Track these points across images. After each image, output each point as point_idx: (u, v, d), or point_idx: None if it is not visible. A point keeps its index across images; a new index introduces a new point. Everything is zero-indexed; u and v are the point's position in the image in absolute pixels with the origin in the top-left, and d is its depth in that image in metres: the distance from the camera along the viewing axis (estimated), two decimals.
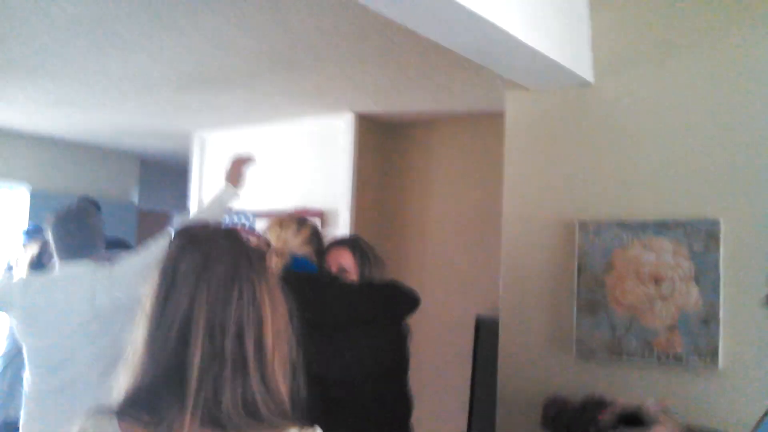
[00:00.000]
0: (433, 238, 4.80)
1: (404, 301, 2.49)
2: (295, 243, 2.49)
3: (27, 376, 2.81)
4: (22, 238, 4.33)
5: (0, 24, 3.09)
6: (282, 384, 1.09)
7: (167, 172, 7.22)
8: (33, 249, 3.86)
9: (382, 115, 4.67)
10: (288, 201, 4.89)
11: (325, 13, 2.88)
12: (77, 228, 2.83)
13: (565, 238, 3.06)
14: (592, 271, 2.92)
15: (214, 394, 1.03)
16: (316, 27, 3.03)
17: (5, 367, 3.88)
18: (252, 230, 2.69)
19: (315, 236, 2.57)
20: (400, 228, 4.90)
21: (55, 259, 2.85)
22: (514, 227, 3.23)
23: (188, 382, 1.02)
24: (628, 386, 2.82)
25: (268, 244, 2.51)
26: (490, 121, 4.43)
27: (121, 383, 1.07)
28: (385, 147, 4.90)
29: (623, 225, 2.86)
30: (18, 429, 3.56)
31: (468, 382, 4.09)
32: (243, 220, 5.20)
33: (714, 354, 2.64)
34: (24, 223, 5.70)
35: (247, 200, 5.13)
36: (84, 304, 2.69)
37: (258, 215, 4.93)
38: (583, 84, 2.98)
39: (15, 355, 3.76)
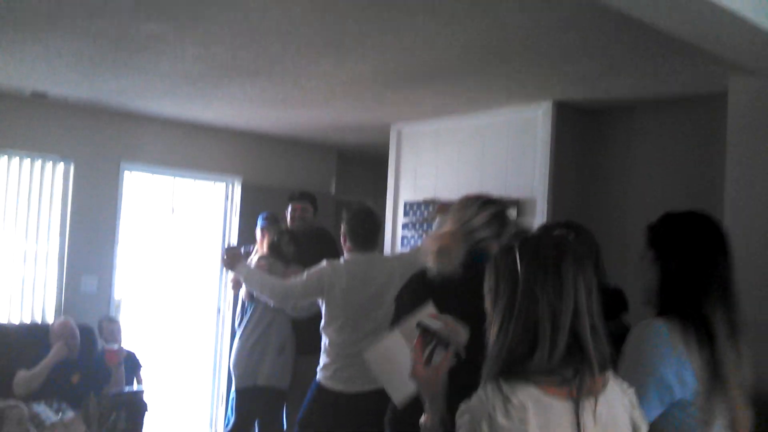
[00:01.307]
0: (634, 226, 4.66)
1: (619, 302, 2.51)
2: (476, 223, 2.44)
3: (335, 338, 3.52)
4: (259, 223, 4.85)
5: (235, 34, 3.42)
6: None
7: (362, 163, 7.56)
8: (271, 234, 4.46)
9: (581, 102, 4.61)
10: (484, 190, 4.96)
11: (534, 5, 2.91)
12: (373, 225, 3.58)
13: None
14: None
15: (599, 352, 1.44)
16: (525, 20, 3.07)
17: (257, 339, 4.40)
18: None
19: (497, 218, 2.48)
20: (599, 217, 4.82)
21: (348, 246, 3.60)
22: (739, 214, 3.11)
23: (587, 349, 1.42)
24: None
25: None
26: (698, 105, 4.25)
27: (500, 354, 1.43)
28: (583, 133, 4.83)
29: None
30: (263, 394, 4.51)
31: None
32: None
33: None
34: (237, 212, 6.27)
35: (444, 189, 5.29)
36: (387, 284, 3.44)
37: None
38: None
39: (266, 328, 4.38)
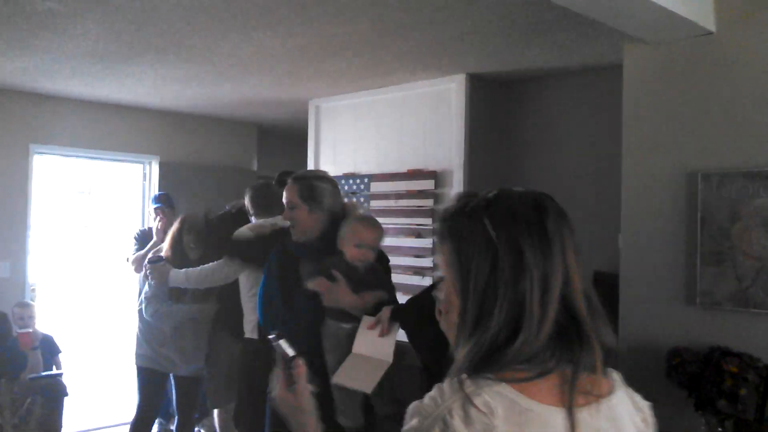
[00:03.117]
0: (549, 192, 4.79)
1: None
2: None
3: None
4: (151, 205, 4.66)
5: (138, 11, 3.33)
6: None
7: (284, 139, 7.51)
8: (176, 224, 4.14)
9: (494, 74, 4.69)
10: (402, 163, 5.03)
11: None
12: (272, 194, 3.72)
13: (687, 190, 3.05)
14: (716, 222, 2.90)
15: (598, 333, 1.09)
16: None
17: (149, 325, 4.12)
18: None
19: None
20: (514, 185, 4.92)
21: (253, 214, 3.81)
22: (634, 180, 3.24)
23: (583, 326, 1.07)
24: (753, 338, 2.81)
25: None
26: (605, 75, 4.37)
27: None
28: (497, 105, 4.93)
29: (749, 175, 2.82)
30: (145, 373, 4.17)
31: None
32: (359, 184, 5.38)
33: None
34: (154, 192, 6.13)
35: (363, 164, 5.32)
36: None
37: (373, 178, 5.13)
38: (705, 33, 2.92)
39: (155, 314, 4.01)
